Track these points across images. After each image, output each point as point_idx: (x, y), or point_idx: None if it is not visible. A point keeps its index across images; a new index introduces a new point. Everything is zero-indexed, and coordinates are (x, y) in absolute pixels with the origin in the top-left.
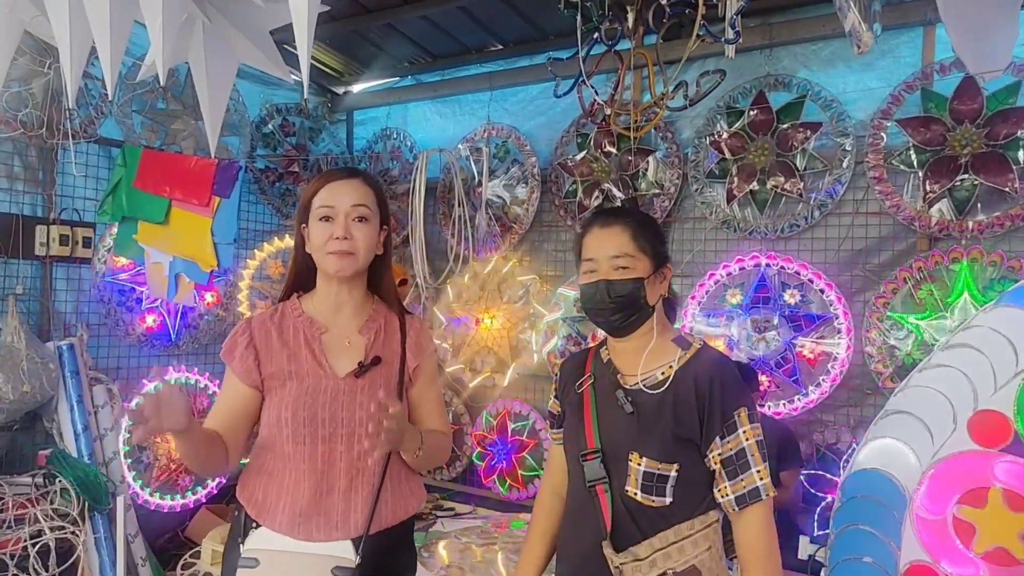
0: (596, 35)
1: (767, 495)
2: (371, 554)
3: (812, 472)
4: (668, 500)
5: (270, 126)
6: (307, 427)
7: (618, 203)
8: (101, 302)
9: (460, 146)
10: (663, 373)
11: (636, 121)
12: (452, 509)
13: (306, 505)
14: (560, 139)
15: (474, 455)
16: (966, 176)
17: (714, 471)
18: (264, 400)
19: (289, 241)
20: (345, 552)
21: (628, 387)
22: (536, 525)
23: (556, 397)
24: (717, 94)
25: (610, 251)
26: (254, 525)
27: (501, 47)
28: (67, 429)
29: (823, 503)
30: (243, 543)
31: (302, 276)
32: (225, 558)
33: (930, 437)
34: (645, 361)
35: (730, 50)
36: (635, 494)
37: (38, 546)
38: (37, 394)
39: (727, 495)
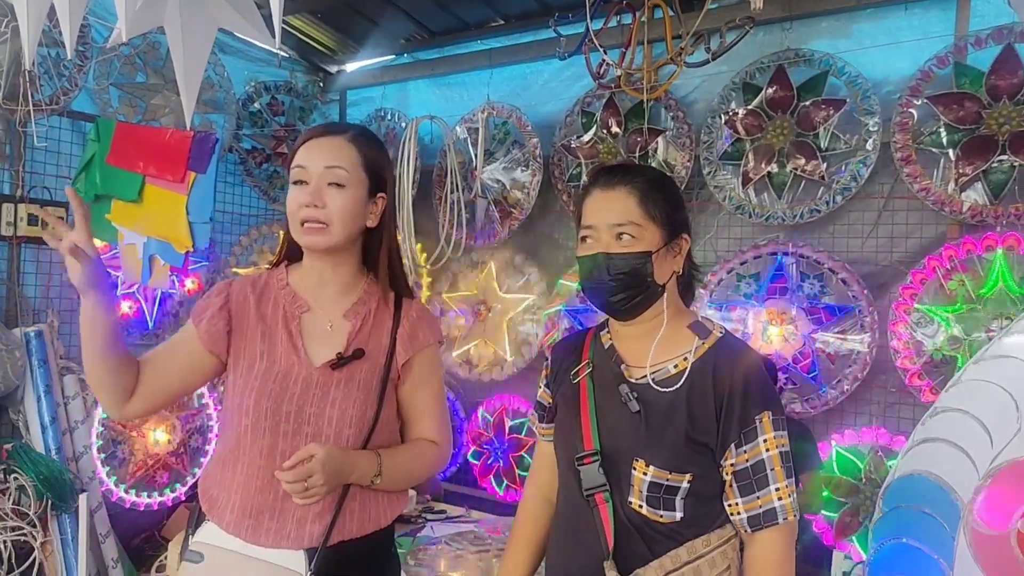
0: None
1: (786, 518)
2: (328, 568)
3: (830, 475)
4: (679, 515)
5: (257, 104)
6: (269, 419)
7: None
8: (73, 287)
9: (457, 128)
10: (676, 366)
11: (650, 81)
12: (444, 512)
13: (258, 505)
14: (564, 119)
15: (469, 454)
16: (1004, 157)
17: (726, 482)
18: (228, 379)
19: (277, 227)
20: (296, 564)
21: (634, 381)
22: (519, 535)
23: (546, 386)
24: (735, 64)
25: (611, 218)
26: (206, 518)
27: (503, 22)
28: (34, 421)
29: (842, 509)
30: (193, 535)
31: (291, 246)
32: (180, 550)
33: (988, 439)
34: (655, 351)
35: None
36: (640, 507)
37: None
38: (1, 384)
39: (738, 513)
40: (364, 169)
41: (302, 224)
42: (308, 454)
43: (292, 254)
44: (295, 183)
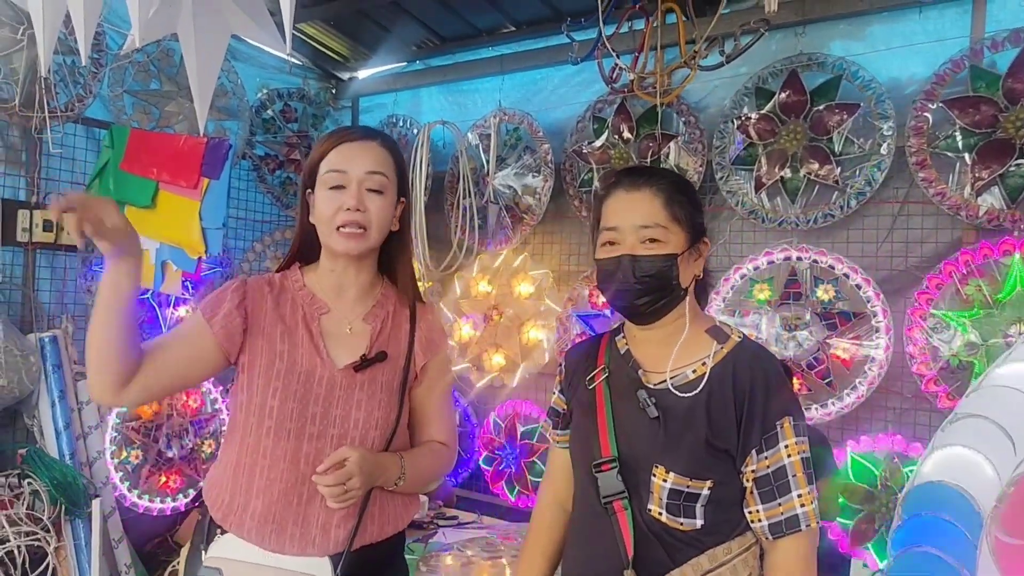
0: None
1: (809, 525)
2: (352, 573)
3: (846, 482)
4: (699, 522)
5: (270, 111)
6: (294, 421)
7: None
8: (88, 292)
9: (469, 134)
10: (695, 371)
11: (663, 85)
12: (455, 518)
13: (281, 510)
14: (576, 125)
15: (481, 459)
16: (1021, 161)
17: (746, 488)
18: (238, 378)
19: (291, 233)
20: (322, 571)
21: (652, 386)
22: (533, 543)
23: (561, 392)
24: (748, 69)
25: (637, 220)
26: (219, 531)
27: (514, 28)
28: (48, 426)
29: (858, 516)
30: (206, 550)
31: (305, 249)
32: (186, 567)
33: (1011, 445)
34: (676, 356)
35: None
36: (659, 514)
37: (4, 552)
38: (16, 389)
39: (759, 520)
40: (396, 174)
41: (339, 228)
42: (341, 458)
43: (303, 256)
44: (332, 187)
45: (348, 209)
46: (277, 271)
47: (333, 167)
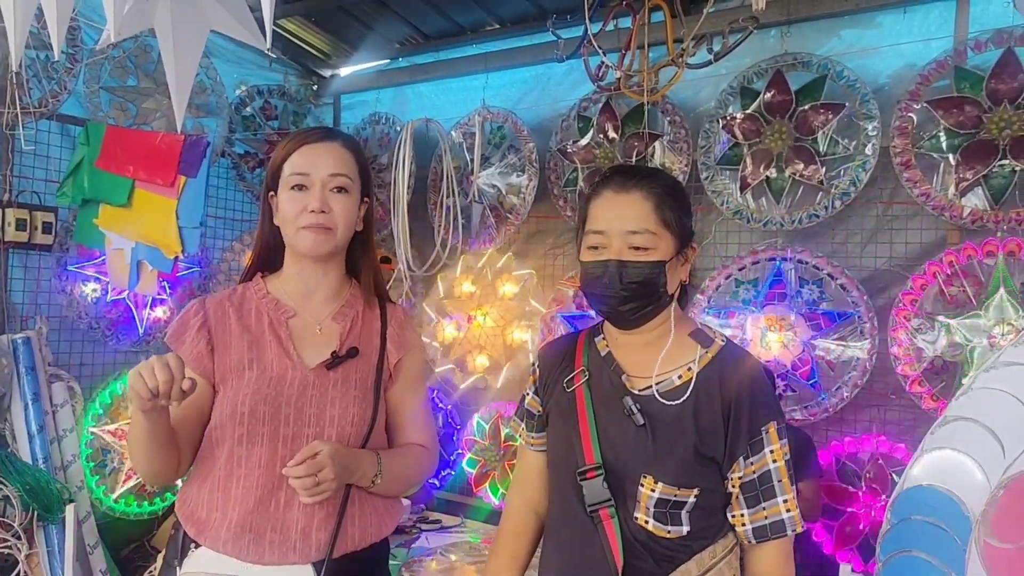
0: None
1: (793, 530)
2: None
3: (830, 483)
4: (685, 529)
5: (250, 109)
6: (267, 425)
7: None
8: (63, 293)
9: (453, 132)
10: (681, 377)
11: (649, 83)
12: (438, 521)
13: (259, 518)
14: (560, 123)
15: (464, 462)
16: (1005, 161)
17: (731, 494)
18: (216, 395)
19: None
20: None
21: (637, 392)
22: (502, 551)
23: (535, 393)
24: (733, 68)
25: (626, 224)
26: (193, 545)
27: (498, 26)
28: (20, 430)
29: (842, 518)
30: (180, 565)
31: (268, 253)
32: None
33: (1000, 449)
34: (661, 363)
35: None
36: (646, 522)
37: None
38: None
39: (744, 524)
40: (359, 175)
41: (305, 228)
42: (313, 451)
43: (265, 265)
44: (294, 188)
45: (312, 211)
46: (240, 282)
47: (296, 170)
